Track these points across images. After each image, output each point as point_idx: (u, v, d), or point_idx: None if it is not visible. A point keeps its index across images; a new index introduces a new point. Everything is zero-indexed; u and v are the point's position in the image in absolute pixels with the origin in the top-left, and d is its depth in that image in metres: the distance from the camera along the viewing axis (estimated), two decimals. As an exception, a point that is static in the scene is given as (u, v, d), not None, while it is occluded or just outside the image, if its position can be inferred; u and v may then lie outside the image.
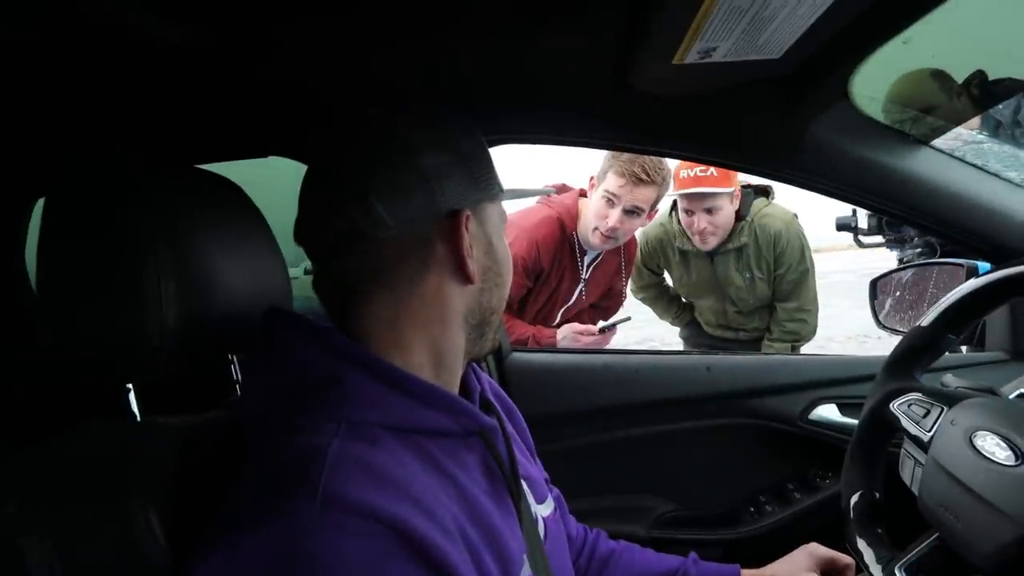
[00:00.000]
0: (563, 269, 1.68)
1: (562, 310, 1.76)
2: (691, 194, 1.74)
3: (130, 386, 0.61)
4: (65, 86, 0.84)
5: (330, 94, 0.89)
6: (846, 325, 5.00)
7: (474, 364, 0.65)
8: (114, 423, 0.56)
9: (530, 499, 0.62)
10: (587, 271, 1.72)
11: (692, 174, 1.73)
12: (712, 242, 1.83)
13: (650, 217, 1.62)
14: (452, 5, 0.71)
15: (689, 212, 1.80)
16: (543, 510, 0.64)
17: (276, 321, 0.53)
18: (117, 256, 0.54)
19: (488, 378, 0.71)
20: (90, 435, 0.53)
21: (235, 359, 0.81)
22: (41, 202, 1.16)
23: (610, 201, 1.52)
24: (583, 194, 1.67)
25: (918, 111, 1.00)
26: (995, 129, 1.60)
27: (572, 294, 1.74)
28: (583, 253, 1.68)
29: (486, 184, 0.57)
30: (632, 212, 1.53)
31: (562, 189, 1.73)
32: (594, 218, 1.56)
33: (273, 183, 1.08)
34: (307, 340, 0.50)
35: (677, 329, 2.38)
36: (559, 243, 1.63)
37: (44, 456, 0.50)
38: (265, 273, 0.70)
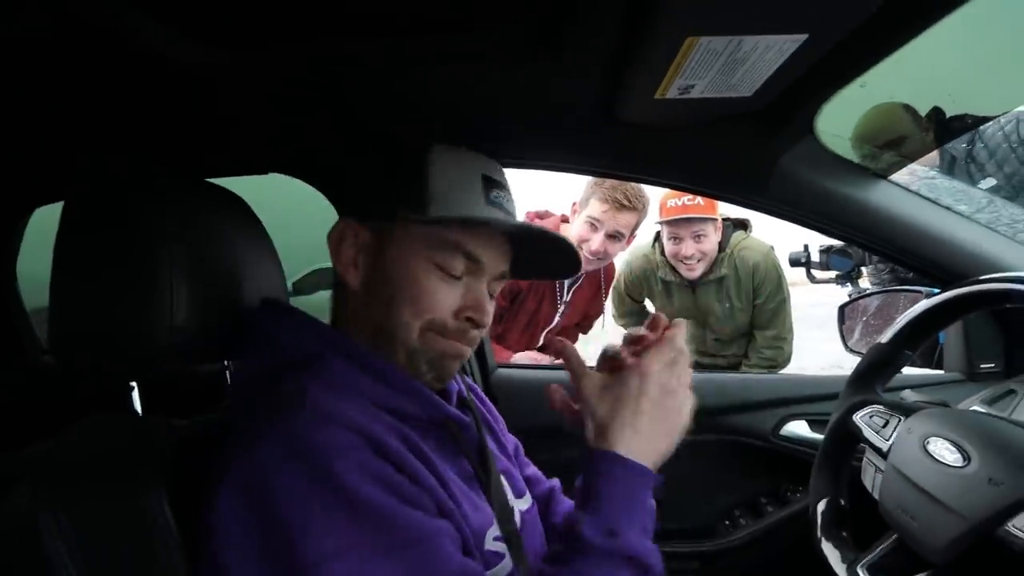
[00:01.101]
0: (542, 292, 1.73)
1: (544, 332, 1.80)
2: (680, 220, 1.83)
3: (134, 385, 0.63)
4: (68, 98, 0.87)
5: (329, 114, 0.94)
6: (818, 356, 5.12)
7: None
8: (121, 416, 0.59)
9: (508, 492, 0.67)
10: (568, 294, 1.77)
11: (680, 203, 1.82)
12: (699, 269, 1.90)
13: (629, 242, 1.69)
14: (449, 38, 0.76)
15: (676, 240, 1.88)
16: (521, 504, 0.69)
17: (270, 310, 0.62)
18: (133, 257, 0.57)
19: (474, 384, 0.76)
20: (99, 426, 0.55)
21: (230, 366, 0.83)
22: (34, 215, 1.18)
23: (593, 226, 1.59)
24: (565, 220, 1.74)
25: (884, 144, 1.08)
26: (951, 164, 1.69)
27: (554, 317, 1.79)
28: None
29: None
30: (614, 237, 1.60)
31: (545, 215, 1.79)
32: (577, 241, 1.63)
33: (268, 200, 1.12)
34: (296, 325, 0.59)
35: None
36: None
37: (55, 446, 0.53)
38: (266, 282, 0.73)
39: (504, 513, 0.62)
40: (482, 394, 0.80)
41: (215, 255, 0.65)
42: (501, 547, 0.58)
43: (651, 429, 0.53)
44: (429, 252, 0.59)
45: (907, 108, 1.30)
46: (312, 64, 0.82)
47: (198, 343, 0.63)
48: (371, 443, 0.49)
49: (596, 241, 1.59)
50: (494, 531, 0.59)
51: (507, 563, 0.58)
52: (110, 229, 0.58)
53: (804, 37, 0.61)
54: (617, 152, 0.96)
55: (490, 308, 0.62)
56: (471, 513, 0.56)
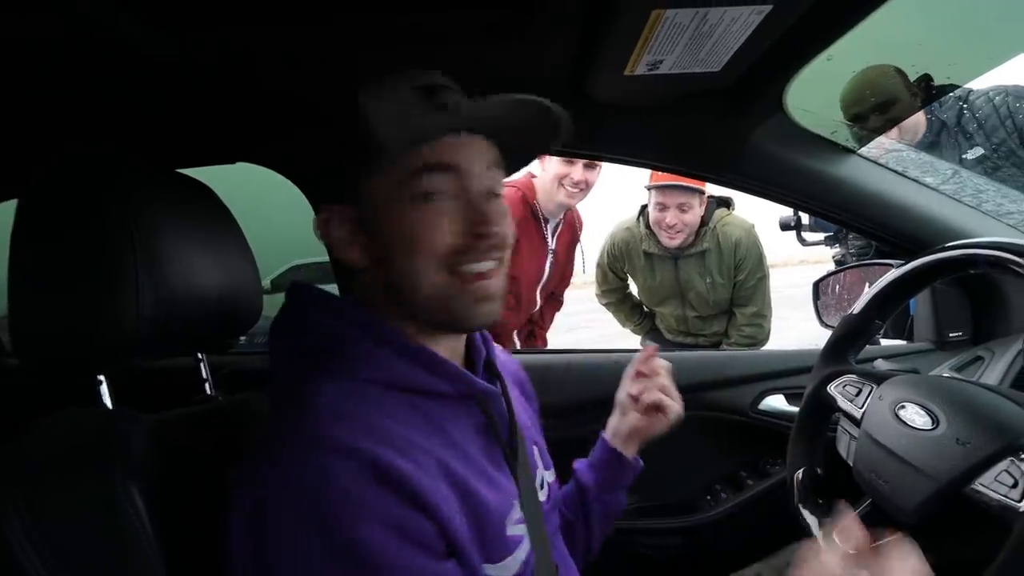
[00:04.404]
0: (530, 236, 1.80)
1: (538, 290, 1.89)
2: (668, 188, 1.87)
3: (102, 378, 0.62)
4: (27, 91, 0.84)
5: (294, 102, 0.92)
6: (796, 335, 5.21)
7: (485, 334, 0.68)
8: (89, 410, 0.57)
9: (539, 463, 0.68)
10: (553, 240, 1.86)
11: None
12: (679, 239, 1.94)
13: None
14: (416, 20, 0.75)
15: (662, 207, 1.91)
16: (549, 476, 0.70)
17: (300, 294, 0.59)
18: (98, 247, 0.56)
19: (502, 349, 0.76)
20: (66, 420, 0.54)
21: (204, 358, 0.82)
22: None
23: (569, 161, 1.68)
24: (532, 176, 1.82)
25: (864, 115, 1.09)
26: (939, 134, 1.72)
27: (544, 268, 1.86)
28: (546, 221, 1.82)
29: (362, 161, 0.55)
30: (590, 166, 1.71)
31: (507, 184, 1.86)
32: (556, 179, 1.72)
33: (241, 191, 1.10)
34: (325, 311, 0.57)
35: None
36: (523, 212, 1.76)
37: (18, 442, 0.51)
38: (236, 272, 0.72)
39: (529, 492, 0.62)
40: (507, 358, 0.77)
41: (183, 245, 0.63)
42: (521, 529, 0.58)
43: None
44: (408, 187, 0.54)
45: (887, 76, 1.33)
46: (276, 49, 0.81)
47: (167, 335, 0.61)
48: (375, 471, 0.46)
49: (577, 172, 1.69)
50: (515, 513, 0.58)
51: (526, 544, 0.57)
52: (72, 219, 0.56)
53: (768, 8, 0.61)
54: (589, 131, 0.95)
55: (500, 218, 0.56)
56: (491, 498, 0.55)
